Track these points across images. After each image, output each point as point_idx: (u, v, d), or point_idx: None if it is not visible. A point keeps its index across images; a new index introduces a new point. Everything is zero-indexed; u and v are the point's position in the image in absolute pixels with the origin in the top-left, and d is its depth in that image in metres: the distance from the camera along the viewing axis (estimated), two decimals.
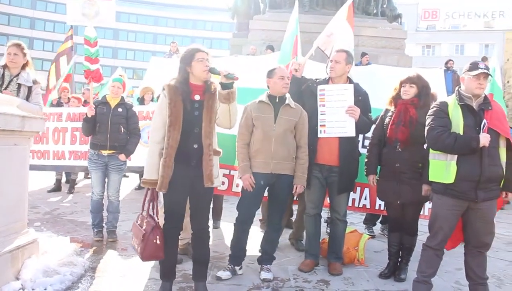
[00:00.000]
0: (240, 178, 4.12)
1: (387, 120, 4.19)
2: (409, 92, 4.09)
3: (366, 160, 4.38)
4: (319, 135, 4.23)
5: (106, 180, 5.20)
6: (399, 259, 4.31)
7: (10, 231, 3.58)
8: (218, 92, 3.34)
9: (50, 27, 64.90)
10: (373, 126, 4.47)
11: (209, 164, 3.35)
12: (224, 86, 3.29)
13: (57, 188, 8.42)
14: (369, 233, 5.77)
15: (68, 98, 9.52)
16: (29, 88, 4.36)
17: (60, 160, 7.36)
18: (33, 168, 7.79)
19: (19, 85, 4.32)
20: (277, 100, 4.09)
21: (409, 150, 3.98)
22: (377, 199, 5.13)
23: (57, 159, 7.36)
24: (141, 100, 8.55)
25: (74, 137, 7.17)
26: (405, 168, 4.00)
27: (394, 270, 4.30)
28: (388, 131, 4.12)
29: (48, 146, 7.37)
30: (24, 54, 4.40)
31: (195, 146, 3.36)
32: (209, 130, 3.37)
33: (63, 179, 8.91)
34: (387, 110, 4.29)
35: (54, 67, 11.79)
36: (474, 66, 3.48)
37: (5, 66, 4.37)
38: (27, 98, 4.33)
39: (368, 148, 4.46)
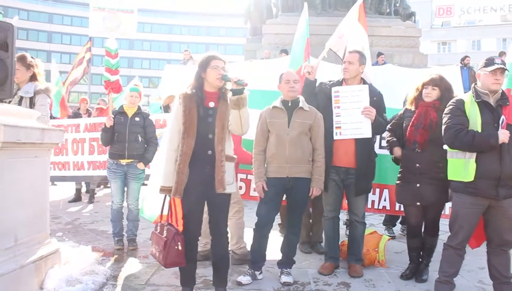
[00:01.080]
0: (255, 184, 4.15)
1: (406, 121, 4.14)
2: (431, 94, 4.03)
3: (387, 139, 4.33)
4: (335, 137, 4.22)
5: (126, 188, 5.26)
6: (420, 260, 4.26)
7: (33, 241, 3.65)
8: (229, 99, 3.38)
9: (67, 40, 66.07)
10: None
11: (220, 169, 3.37)
12: (234, 92, 3.32)
13: (77, 198, 8.55)
14: (389, 234, 5.72)
15: (87, 109, 9.69)
16: (31, 100, 4.25)
17: (79, 170, 7.49)
18: (54, 179, 7.98)
19: (21, 98, 4.24)
20: (289, 104, 4.11)
21: (429, 150, 3.92)
22: None
23: (77, 169, 7.49)
24: (165, 108, 8.61)
25: (92, 147, 7.28)
26: (425, 168, 3.95)
27: (416, 271, 4.25)
28: (407, 133, 4.08)
29: (68, 157, 7.50)
30: (28, 67, 4.29)
31: (209, 152, 3.39)
32: (222, 137, 3.40)
33: (83, 189, 9.03)
34: (407, 110, 4.23)
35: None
36: (490, 61, 3.44)
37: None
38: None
39: (387, 132, 4.39)
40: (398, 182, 4.21)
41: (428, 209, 4.08)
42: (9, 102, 4.16)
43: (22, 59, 4.29)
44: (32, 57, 4.43)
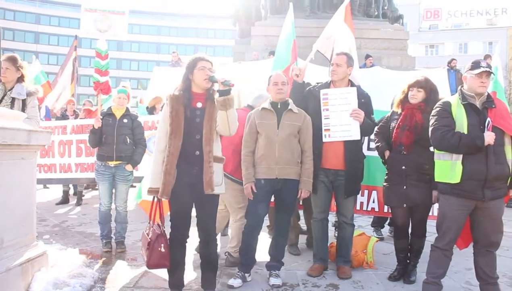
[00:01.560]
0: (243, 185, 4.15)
1: (393, 123, 4.18)
2: (416, 96, 4.07)
3: (376, 145, 4.38)
4: (324, 139, 4.23)
5: (114, 190, 5.23)
6: (408, 261, 4.28)
7: (20, 244, 3.61)
8: (216, 99, 3.38)
9: (54, 40, 65.53)
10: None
11: (209, 170, 3.37)
12: (221, 93, 3.32)
13: (64, 200, 8.46)
14: (377, 236, 5.75)
15: (74, 111, 9.61)
16: (23, 101, 4.32)
17: (66, 172, 7.42)
18: (40, 181, 7.90)
19: (13, 99, 4.28)
20: (279, 106, 4.12)
21: (415, 152, 3.96)
22: None
23: (63, 172, 7.43)
24: (151, 110, 8.60)
25: (79, 149, 7.23)
26: (411, 170, 3.98)
27: (404, 272, 4.27)
28: (393, 135, 4.11)
29: (55, 159, 7.43)
30: (18, 68, 4.34)
31: (197, 153, 3.39)
32: (210, 137, 3.40)
33: (71, 191, 8.95)
34: (393, 112, 4.28)
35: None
36: (476, 64, 3.48)
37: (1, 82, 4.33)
38: (22, 111, 4.28)
39: (374, 136, 4.45)
40: (385, 184, 4.24)
41: (414, 211, 4.11)
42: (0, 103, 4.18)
43: (13, 60, 4.34)
44: (21, 60, 4.46)
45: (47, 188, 10.04)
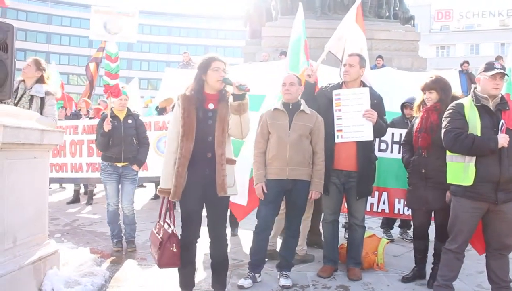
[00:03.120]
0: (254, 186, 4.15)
1: (414, 127, 4.19)
2: (430, 98, 4.07)
3: (402, 156, 4.42)
4: (336, 140, 4.21)
5: (120, 191, 5.26)
6: (432, 266, 4.18)
7: (32, 243, 3.64)
8: (230, 104, 3.34)
9: (65, 41, 66.09)
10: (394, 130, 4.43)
11: (221, 173, 3.36)
12: (236, 97, 3.29)
13: (75, 199, 8.52)
14: (387, 237, 5.72)
15: (87, 110, 9.70)
16: (42, 100, 4.48)
17: (78, 172, 7.48)
18: (51, 181, 7.96)
19: (32, 97, 4.45)
20: (290, 106, 4.11)
21: (435, 154, 3.92)
22: (396, 203, 5.11)
23: (75, 171, 7.49)
24: (161, 111, 8.64)
25: (91, 149, 7.28)
26: (431, 173, 3.95)
27: (419, 275, 4.25)
28: (413, 139, 4.13)
29: (66, 159, 7.49)
30: (38, 68, 4.55)
31: (209, 155, 3.38)
32: (222, 140, 3.38)
33: (81, 190, 9.01)
34: (415, 118, 4.30)
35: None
36: (489, 66, 3.46)
37: (21, 81, 4.54)
38: (41, 109, 4.45)
39: (402, 147, 4.51)
40: (408, 187, 4.24)
41: (436, 214, 4.09)
42: (19, 101, 4.37)
43: (36, 61, 4.62)
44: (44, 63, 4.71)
45: (63, 188, 10.13)
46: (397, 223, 6.02)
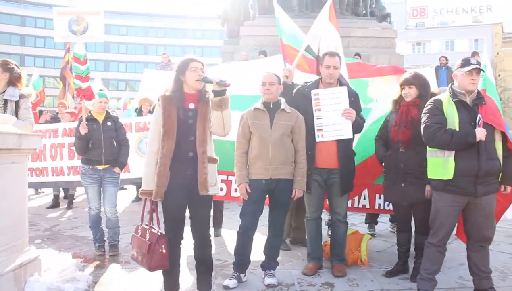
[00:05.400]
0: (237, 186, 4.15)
1: (391, 121, 4.22)
2: (409, 93, 4.11)
3: (376, 151, 4.41)
4: (317, 139, 4.24)
5: (102, 194, 5.19)
6: (414, 260, 4.24)
7: (12, 249, 3.56)
8: (211, 100, 3.36)
9: (40, 43, 64.94)
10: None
11: (203, 171, 3.36)
12: (216, 93, 3.31)
13: (55, 204, 8.39)
14: (369, 232, 5.78)
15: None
16: (16, 103, 4.36)
17: (59, 176, 7.37)
18: (32, 185, 7.84)
19: (5, 101, 4.33)
20: (271, 106, 4.11)
21: (413, 149, 3.97)
22: (376, 198, 5.16)
23: (56, 175, 7.37)
24: (139, 112, 8.58)
25: (72, 152, 7.17)
26: (410, 168, 4.00)
27: (402, 270, 4.30)
28: (391, 133, 4.16)
29: (46, 163, 7.37)
30: (5, 69, 4.39)
31: (190, 154, 3.37)
32: (203, 138, 3.38)
33: (61, 194, 8.87)
34: (391, 113, 4.33)
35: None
36: (466, 62, 3.52)
37: None
38: (16, 113, 4.34)
39: (375, 142, 4.47)
40: (385, 182, 4.28)
41: (415, 208, 4.13)
42: None
43: (2, 62, 4.44)
44: (16, 65, 4.56)
45: (40, 193, 9.95)
46: (387, 217, 6.06)
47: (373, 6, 16.71)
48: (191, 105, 3.43)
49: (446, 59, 12.90)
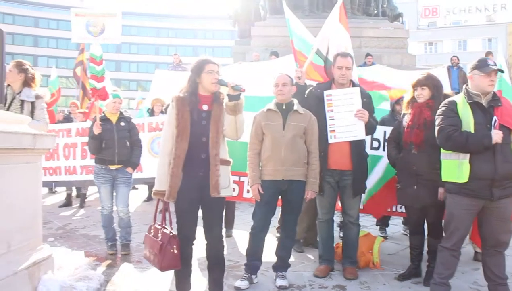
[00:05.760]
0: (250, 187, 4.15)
1: (403, 123, 4.18)
2: (422, 94, 4.06)
3: (388, 153, 4.38)
4: (330, 141, 4.22)
5: (115, 194, 5.22)
6: (427, 264, 4.20)
7: (26, 248, 3.59)
8: (225, 104, 3.36)
9: (53, 44, 65.61)
10: (386, 128, 4.48)
11: (215, 173, 3.36)
12: (231, 97, 3.31)
13: (68, 203, 8.46)
14: (382, 234, 5.74)
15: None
16: (32, 104, 4.47)
17: (72, 175, 7.43)
18: (45, 184, 7.92)
19: (22, 102, 4.43)
20: (284, 107, 4.10)
21: (426, 151, 3.92)
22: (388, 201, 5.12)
23: (69, 174, 7.43)
24: (151, 112, 8.62)
25: (84, 152, 7.22)
26: (422, 170, 3.94)
27: (415, 273, 4.26)
28: (403, 135, 4.11)
29: (60, 162, 7.44)
30: (21, 71, 4.49)
31: (203, 156, 3.37)
32: (216, 140, 3.38)
33: (73, 193, 8.95)
34: (404, 115, 4.28)
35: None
36: (483, 63, 3.46)
37: (8, 85, 4.49)
38: (32, 114, 4.43)
39: (387, 143, 4.47)
40: (397, 184, 4.23)
41: (428, 211, 4.08)
42: (9, 107, 4.36)
43: (16, 64, 4.56)
44: (30, 66, 4.66)
45: (54, 191, 10.04)
46: (399, 219, 6.00)
47: (385, 5, 16.64)
48: (205, 107, 3.43)
49: (458, 59, 12.78)
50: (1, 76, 3.47)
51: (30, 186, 3.71)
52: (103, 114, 5.21)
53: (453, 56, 13.15)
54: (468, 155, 3.38)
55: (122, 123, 5.19)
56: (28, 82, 4.54)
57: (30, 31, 65.08)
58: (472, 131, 3.37)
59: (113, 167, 5.07)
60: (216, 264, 3.60)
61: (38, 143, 3.68)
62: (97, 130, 4.97)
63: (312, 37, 5.42)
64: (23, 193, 3.57)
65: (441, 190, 3.82)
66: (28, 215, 3.65)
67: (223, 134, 3.45)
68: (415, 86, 4.13)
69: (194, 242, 3.54)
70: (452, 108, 3.53)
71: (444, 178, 3.57)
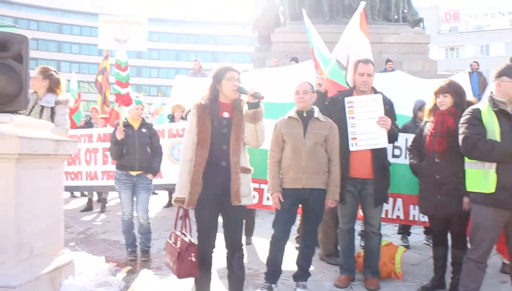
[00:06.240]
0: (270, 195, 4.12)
1: (425, 131, 4.11)
2: (444, 102, 3.98)
3: (410, 161, 4.31)
4: (351, 148, 4.17)
5: (135, 199, 5.26)
6: (452, 275, 4.09)
7: (48, 253, 3.64)
8: (245, 112, 3.35)
9: (76, 49, 66.81)
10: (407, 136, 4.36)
11: (236, 182, 3.34)
12: (250, 105, 3.29)
13: (89, 207, 8.55)
14: (403, 243, 5.65)
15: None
16: (52, 109, 4.50)
17: (93, 180, 7.52)
18: (67, 189, 8.03)
19: (42, 107, 4.49)
20: (304, 114, 4.07)
21: (449, 160, 3.83)
22: (411, 209, 5.04)
23: (90, 179, 7.52)
24: (172, 118, 8.68)
25: (105, 157, 7.31)
26: (446, 179, 3.86)
27: (438, 285, 4.16)
28: (426, 144, 4.03)
29: (81, 167, 7.55)
30: (45, 76, 4.57)
31: (223, 164, 3.36)
32: (237, 148, 3.37)
33: (94, 198, 9.05)
34: (426, 122, 4.21)
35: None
36: None
37: (33, 93, 4.57)
38: (52, 119, 4.46)
39: (409, 155, 4.39)
40: (419, 193, 4.16)
41: (452, 221, 3.99)
42: (30, 112, 4.34)
43: (41, 70, 4.62)
44: (55, 71, 4.72)
45: (75, 196, 10.17)
46: (421, 229, 5.92)
47: (405, 11, 16.47)
48: (226, 115, 3.42)
49: (478, 64, 12.61)
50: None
51: (53, 191, 3.76)
52: (125, 120, 5.26)
53: (473, 61, 13.00)
54: (494, 164, 3.29)
55: (144, 130, 5.23)
56: (52, 88, 4.61)
57: (54, 37, 66.44)
58: (498, 139, 3.29)
59: (133, 173, 5.11)
60: (236, 273, 3.57)
61: (61, 149, 3.73)
62: (120, 135, 5.02)
63: (328, 53, 5.38)
64: (45, 198, 3.62)
65: (466, 200, 3.73)
66: (50, 220, 3.70)
67: (243, 142, 3.44)
68: (437, 93, 4.05)
69: (214, 250, 3.53)
70: (476, 116, 3.46)
71: (469, 188, 3.48)
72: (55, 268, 3.62)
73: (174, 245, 3.44)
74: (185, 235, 3.45)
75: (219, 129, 3.38)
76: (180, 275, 3.37)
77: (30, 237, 3.39)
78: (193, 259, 3.32)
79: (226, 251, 3.55)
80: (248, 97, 3.30)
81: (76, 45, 66.76)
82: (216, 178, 3.36)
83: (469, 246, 3.67)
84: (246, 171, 3.45)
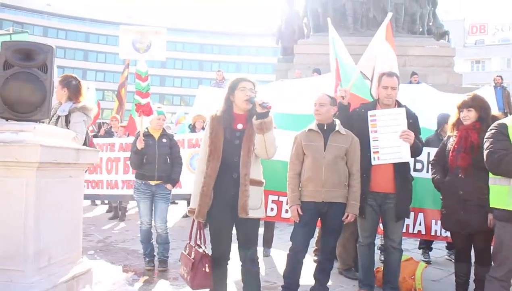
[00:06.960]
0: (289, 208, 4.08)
1: (449, 146, 4.02)
2: (468, 116, 3.90)
3: (432, 176, 4.21)
4: (373, 162, 4.09)
5: (153, 209, 5.27)
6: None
7: (66, 261, 3.65)
8: (253, 122, 3.30)
9: (102, 58, 68.09)
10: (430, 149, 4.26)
11: (244, 194, 3.31)
12: (258, 115, 3.25)
13: (116, 215, 8.67)
14: (424, 259, 5.52)
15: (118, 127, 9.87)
16: (66, 117, 4.45)
17: (113, 189, 7.59)
18: (87, 197, 8.13)
19: (58, 116, 4.47)
20: (325, 127, 4.03)
21: (473, 176, 3.74)
22: (433, 224, 4.94)
23: (110, 188, 7.60)
24: (193, 128, 8.73)
25: (126, 167, 7.38)
26: (469, 195, 3.77)
27: None
28: (449, 159, 3.95)
29: (102, 176, 7.62)
30: (64, 86, 4.51)
31: (235, 175, 3.35)
32: (247, 160, 3.34)
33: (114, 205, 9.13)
34: (449, 137, 4.13)
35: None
36: None
37: (59, 102, 4.59)
38: (66, 127, 4.42)
39: (431, 169, 4.29)
40: (442, 209, 4.07)
41: (476, 238, 3.89)
42: (49, 121, 4.35)
43: (60, 79, 4.58)
44: (74, 78, 4.65)
45: (96, 204, 10.29)
46: (443, 243, 5.78)
47: (431, 24, 16.37)
48: (239, 126, 3.41)
49: (501, 79, 12.39)
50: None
51: (72, 200, 3.78)
52: (146, 130, 5.30)
53: (497, 75, 12.79)
54: None
55: (164, 140, 5.26)
56: (72, 96, 4.52)
57: (81, 45, 67.79)
58: None
59: (152, 183, 5.14)
60: (251, 284, 3.53)
61: (81, 158, 3.75)
62: (140, 145, 5.06)
63: (353, 64, 5.34)
64: (65, 207, 3.64)
65: (490, 216, 3.62)
66: (69, 228, 3.71)
67: (255, 154, 3.41)
68: (460, 107, 3.97)
69: (228, 262, 3.50)
70: (502, 131, 3.36)
71: (492, 204, 3.38)
72: (73, 276, 3.62)
73: (188, 256, 3.45)
74: (200, 246, 3.44)
75: (231, 141, 3.37)
76: (194, 286, 3.36)
77: (49, 245, 3.40)
78: (207, 270, 3.31)
79: (241, 263, 3.52)
80: (257, 108, 3.26)
81: (102, 54, 67.99)
82: (228, 189, 3.35)
83: (492, 263, 3.55)
84: (256, 183, 3.41)
